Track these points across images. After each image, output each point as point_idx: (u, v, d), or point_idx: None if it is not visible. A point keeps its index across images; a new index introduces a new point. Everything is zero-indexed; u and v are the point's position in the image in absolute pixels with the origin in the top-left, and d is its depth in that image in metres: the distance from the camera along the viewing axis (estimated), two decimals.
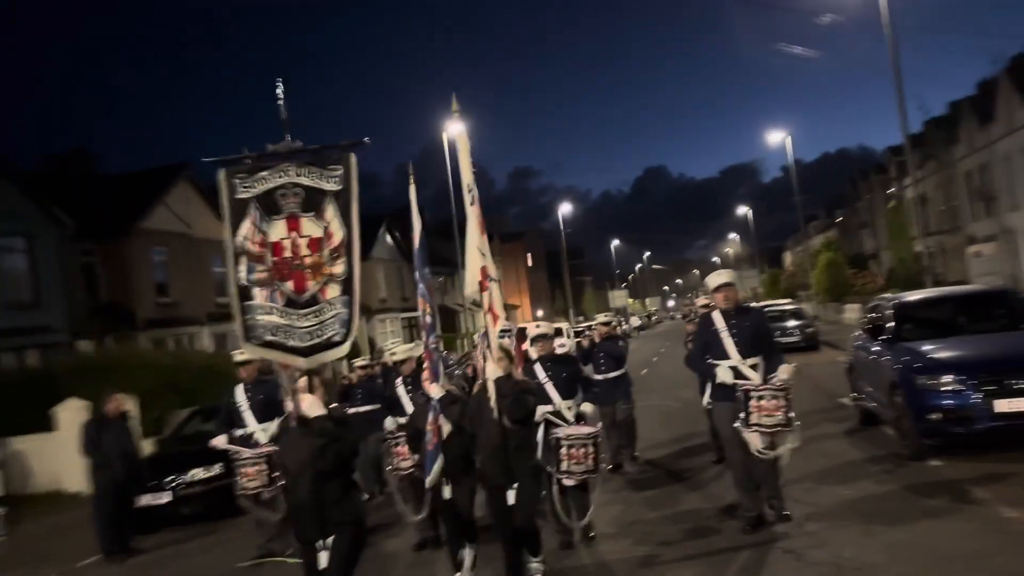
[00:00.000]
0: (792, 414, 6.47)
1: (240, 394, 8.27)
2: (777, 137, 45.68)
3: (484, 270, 5.37)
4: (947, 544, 5.81)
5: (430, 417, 6.09)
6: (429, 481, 6.06)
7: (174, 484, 10.44)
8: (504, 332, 5.57)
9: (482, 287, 5.36)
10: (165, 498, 10.34)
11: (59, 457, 14.09)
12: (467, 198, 5.42)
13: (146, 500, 10.18)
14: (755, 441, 6.48)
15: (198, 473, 10.53)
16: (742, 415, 6.49)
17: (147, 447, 12.02)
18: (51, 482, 14.44)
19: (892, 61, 20.98)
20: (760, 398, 6.41)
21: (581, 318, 60.96)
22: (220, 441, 8.27)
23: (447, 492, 6.12)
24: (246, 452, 7.48)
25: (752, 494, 6.83)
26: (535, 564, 5.68)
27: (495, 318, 5.38)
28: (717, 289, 6.94)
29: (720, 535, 6.81)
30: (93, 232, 23.30)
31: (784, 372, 6.62)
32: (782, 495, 6.87)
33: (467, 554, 6.23)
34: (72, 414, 13.89)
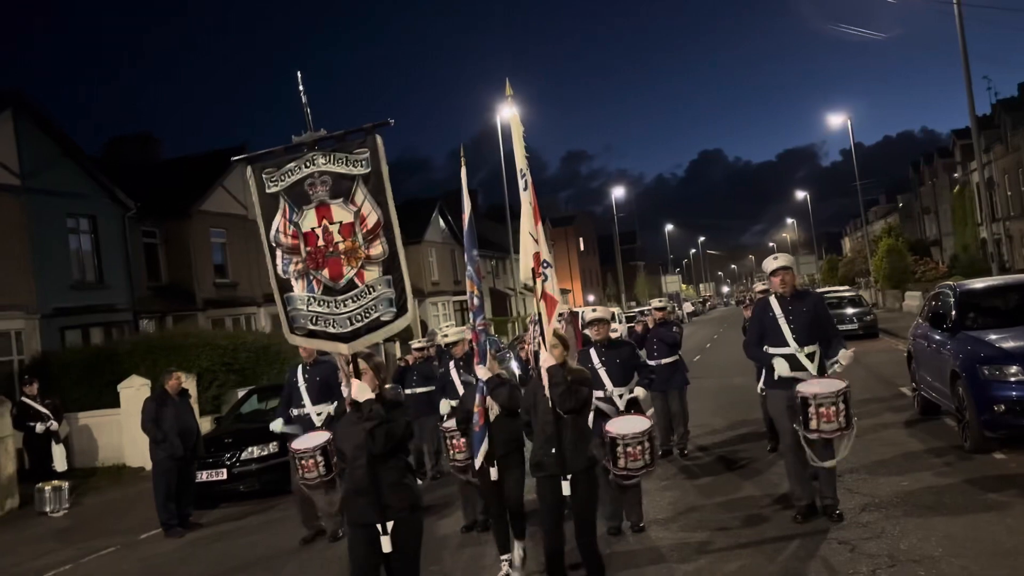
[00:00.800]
0: (853, 416, 6.33)
1: (300, 373, 8.40)
2: (837, 120, 44.68)
3: (537, 256, 5.26)
4: (1008, 539, 5.65)
5: (477, 399, 6.13)
6: (477, 462, 6.08)
7: (231, 461, 10.68)
8: (559, 316, 5.48)
9: (535, 273, 5.26)
10: (222, 475, 10.59)
11: (122, 433, 14.54)
12: (520, 183, 5.31)
13: (204, 476, 10.44)
14: (810, 455, 6.39)
15: (254, 451, 10.75)
16: (800, 419, 6.37)
17: (205, 425, 12.29)
18: (114, 457, 14.90)
19: (960, 41, 20.32)
20: (819, 405, 6.26)
21: (633, 303, 60.63)
22: (277, 425, 8.42)
23: (494, 474, 6.14)
24: (301, 447, 7.56)
25: (806, 483, 6.71)
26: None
27: (551, 305, 5.27)
28: (773, 273, 6.80)
29: (772, 524, 6.72)
30: (155, 214, 23.83)
31: (844, 358, 6.49)
32: (836, 495, 6.70)
33: (516, 553, 6.22)
34: (134, 391, 14.29)
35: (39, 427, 12.07)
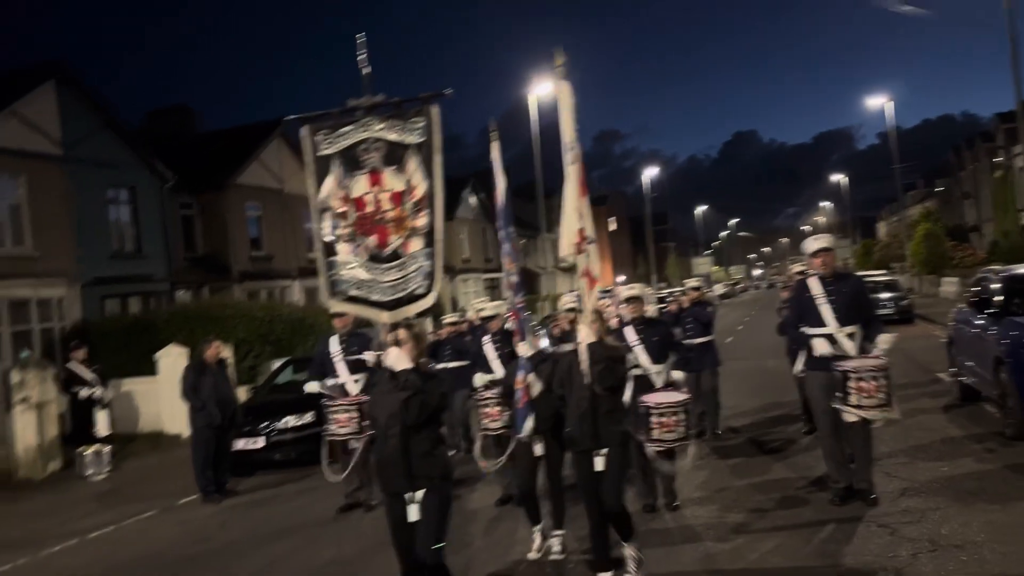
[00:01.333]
0: (892, 392, 6.25)
1: (335, 344, 8.47)
2: (875, 102, 43.91)
3: (582, 231, 5.15)
4: None
5: (519, 376, 6.13)
6: (522, 436, 6.04)
7: (267, 430, 10.84)
8: (603, 293, 5.46)
9: (578, 249, 5.16)
10: (259, 443, 10.75)
11: (160, 400, 14.78)
12: (567, 156, 5.16)
13: (241, 444, 10.60)
14: (851, 417, 6.32)
15: (290, 420, 10.90)
16: (839, 394, 6.31)
17: (241, 394, 12.48)
18: (153, 423, 15.17)
19: (1007, 20, 19.84)
20: (860, 379, 6.19)
21: (663, 284, 60.31)
22: (313, 386, 8.52)
23: (538, 450, 6.17)
24: (340, 399, 7.69)
25: (843, 466, 6.67)
26: (628, 549, 5.36)
27: (591, 281, 5.20)
28: (815, 254, 6.71)
29: (809, 506, 6.69)
30: (192, 186, 24.06)
31: (884, 342, 6.41)
32: (872, 478, 6.65)
33: (556, 540, 6.21)
34: (172, 360, 14.52)
35: (84, 392, 12.31)
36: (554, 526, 6.21)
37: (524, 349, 6.17)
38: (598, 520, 5.14)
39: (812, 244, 6.80)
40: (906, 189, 58.49)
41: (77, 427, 12.43)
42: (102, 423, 12.34)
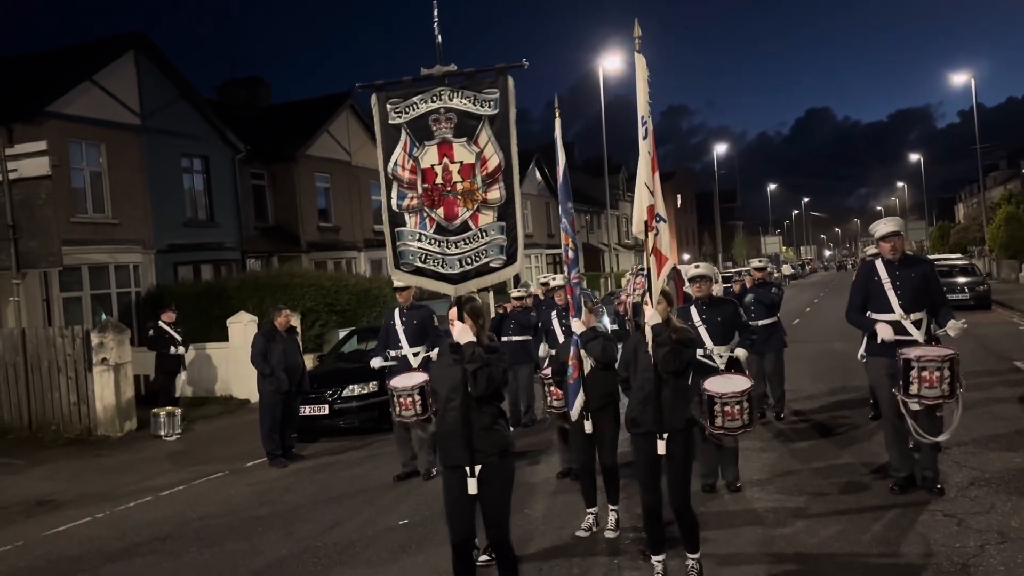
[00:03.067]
0: (958, 385, 6.05)
1: (397, 317, 8.64)
2: (957, 80, 42.24)
3: (651, 209, 5.00)
4: None
5: (571, 351, 6.11)
6: (573, 414, 6.09)
7: (332, 398, 11.08)
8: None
9: (648, 227, 5.01)
10: (324, 410, 11.00)
11: (230, 365, 15.22)
12: (640, 131, 5.01)
13: (307, 411, 10.86)
14: (918, 423, 6.15)
15: (355, 389, 11.11)
16: (901, 382, 6.15)
17: (308, 362, 12.76)
18: (223, 388, 15.64)
19: None
20: (922, 368, 6.02)
21: (730, 264, 59.40)
22: (377, 362, 8.71)
23: (588, 427, 6.15)
24: (400, 385, 7.84)
25: (904, 454, 6.51)
26: (692, 560, 5.08)
27: (661, 260, 5.04)
28: (883, 238, 6.49)
29: (872, 493, 6.58)
30: (262, 157, 24.51)
31: (952, 329, 6.19)
32: (937, 467, 6.49)
33: (610, 515, 6.22)
34: (242, 327, 14.92)
35: (174, 350, 12.89)
36: (609, 502, 6.22)
37: (577, 325, 6.17)
38: (653, 503, 5.08)
39: (880, 227, 6.58)
40: (987, 170, 56.38)
41: (161, 386, 12.98)
42: (179, 384, 12.82)
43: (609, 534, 6.06)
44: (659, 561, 5.01)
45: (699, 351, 6.69)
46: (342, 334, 15.17)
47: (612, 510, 6.20)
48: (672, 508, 5.01)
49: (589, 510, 6.22)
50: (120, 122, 18.78)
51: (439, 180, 4.42)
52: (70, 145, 17.46)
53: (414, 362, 8.45)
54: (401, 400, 7.83)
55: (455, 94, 4.36)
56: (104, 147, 18.35)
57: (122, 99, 18.90)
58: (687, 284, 7.42)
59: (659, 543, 5.07)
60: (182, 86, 20.73)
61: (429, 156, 4.43)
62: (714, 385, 6.35)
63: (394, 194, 4.52)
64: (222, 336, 15.48)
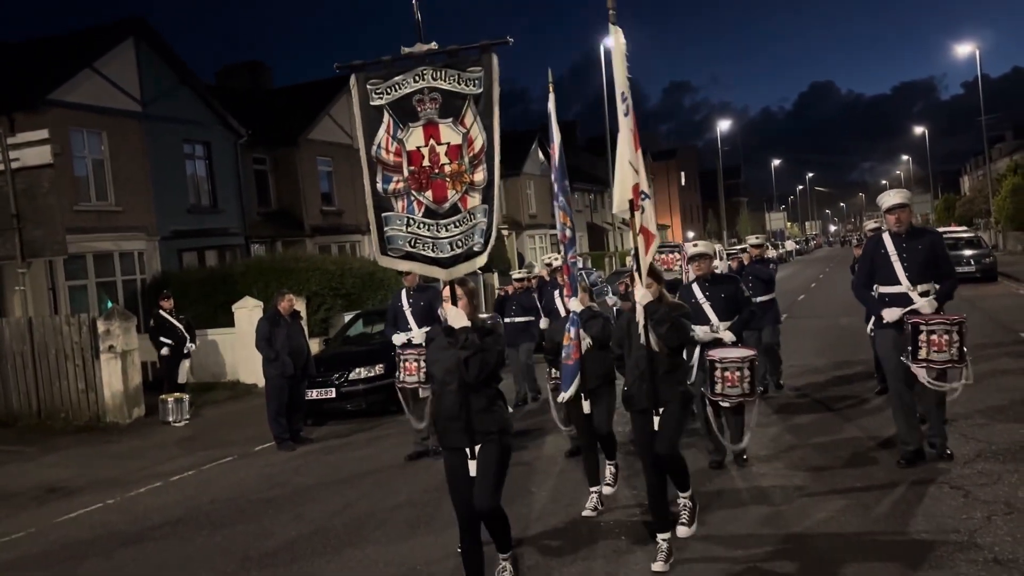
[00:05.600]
0: (965, 348, 6.07)
1: (404, 299, 8.65)
2: (961, 50, 41.84)
3: (636, 187, 4.89)
4: None
5: (570, 332, 6.08)
6: (566, 396, 6.06)
7: (339, 381, 11.12)
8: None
9: (633, 205, 4.90)
10: (331, 393, 11.05)
11: (236, 350, 15.27)
12: (621, 107, 4.85)
13: (314, 395, 10.91)
14: (923, 376, 6.15)
15: (361, 372, 11.15)
16: (909, 348, 6.15)
17: (314, 346, 12.79)
18: (229, 373, 15.70)
19: None
20: (931, 332, 6.03)
21: (734, 240, 59.26)
22: (400, 338, 8.56)
23: (586, 407, 6.20)
24: (411, 348, 7.90)
25: (913, 427, 6.51)
26: (683, 499, 5.46)
27: (648, 239, 4.96)
28: (890, 210, 6.45)
29: (879, 467, 6.58)
30: (265, 141, 24.47)
31: (923, 307, 6.15)
32: (945, 433, 6.53)
33: (608, 470, 6.30)
34: (248, 312, 14.95)
35: (172, 339, 12.84)
36: (606, 459, 6.41)
37: (574, 305, 6.16)
38: (656, 481, 5.11)
39: (887, 199, 6.53)
40: (992, 142, 56.05)
41: (164, 374, 12.97)
42: (183, 371, 12.84)
43: (607, 489, 6.32)
44: (664, 540, 5.05)
45: (705, 329, 6.71)
46: (347, 318, 15.21)
47: (609, 464, 6.48)
48: (658, 454, 5.04)
49: (592, 488, 6.25)
50: (121, 109, 18.75)
51: (426, 162, 4.32)
52: (72, 133, 17.46)
53: (422, 343, 8.44)
54: (407, 365, 7.85)
55: (439, 73, 4.24)
56: (105, 134, 18.34)
57: (122, 86, 18.86)
58: (688, 262, 7.40)
59: (664, 522, 5.10)
60: (182, 72, 20.67)
61: (415, 138, 4.33)
62: (717, 352, 6.41)
63: (379, 178, 4.43)
64: (228, 322, 15.52)
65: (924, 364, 6.10)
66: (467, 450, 4.44)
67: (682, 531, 5.36)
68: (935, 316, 6.13)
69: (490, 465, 4.44)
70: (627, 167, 4.89)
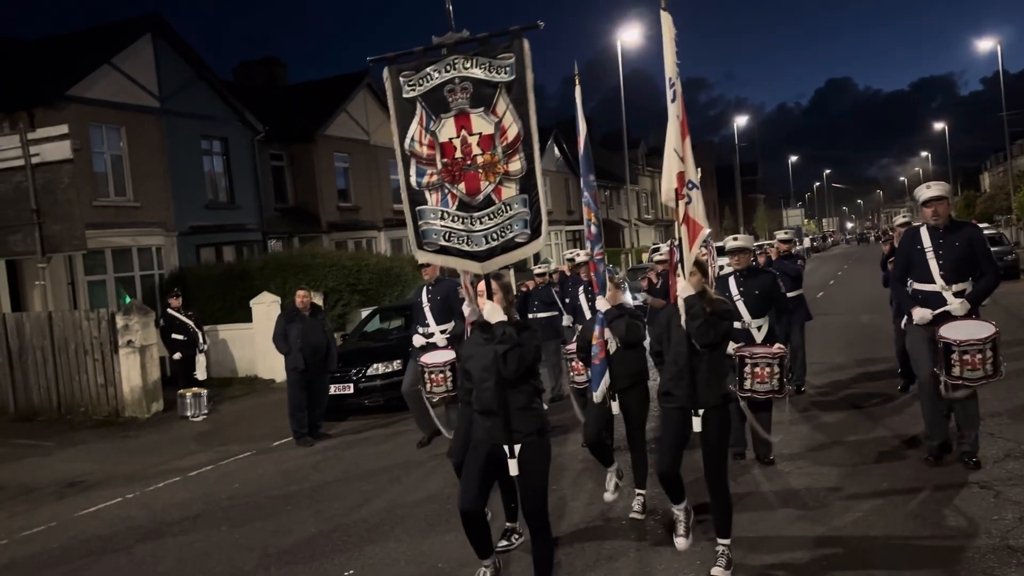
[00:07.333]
0: (1001, 361, 5.90)
1: (424, 295, 8.60)
2: (981, 46, 41.49)
3: (682, 176, 4.76)
4: None
5: (596, 331, 5.95)
6: (597, 396, 5.94)
7: (357, 377, 11.09)
8: (704, 242, 5.06)
9: (678, 195, 4.76)
10: (349, 389, 11.02)
11: (254, 346, 15.28)
12: (668, 94, 4.70)
13: (333, 390, 10.87)
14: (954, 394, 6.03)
15: (379, 368, 11.12)
16: (942, 364, 5.97)
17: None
18: (247, 368, 15.72)
19: None
20: (964, 352, 5.85)
21: (752, 237, 58.92)
22: (419, 340, 8.55)
23: (615, 408, 6.03)
24: (431, 362, 7.81)
25: (941, 423, 6.38)
26: (722, 547, 4.80)
27: (694, 230, 4.80)
28: (926, 203, 6.23)
29: (906, 465, 6.47)
30: (281, 138, 24.48)
31: (956, 308, 6.03)
32: (977, 441, 6.33)
33: (637, 498, 6.04)
34: (265, 307, 14.96)
35: (184, 336, 12.80)
36: (636, 487, 6.04)
37: (602, 303, 6.00)
38: (666, 471, 4.91)
39: (924, 192, 6.30)
40: (1014, 138, 55.37)
41: (178, 371, 12.96)
42: (200, 367, 12.83)
43: (635, 516, 5.84)
44: (679, 509, 4.98)
45: (736, 323, 6.58)
46: (365, 313, 15.18)
47: (639, 493, 5.99)
48: (707, 483, 4.83)
49: (609, 468, 6.17)
50: (139, 105, 18.79)
51: (458, 154, 4.23)
52: (90, 129, 17.51)
53: (440, 340, 8.33)
54: (433, 377, 7.81)
55: (469, 62, 4.14)
56: (124, 130, 18.39)
57: (141, 82, 18.91)
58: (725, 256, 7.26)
59: (678, 494, 5.06)
60: (199, 68, 20.69)
61: (447, 129, 4.24)
62: (747, 348, 6.30)
63: (412, 171, 4.35)
64: (246, 317, 15.53)
65: (958, 382, 5.93)
66: (506, 448, 4.32)
67: (680, 543, 5.17)
68: (969, 336, 5.90)
69: (535, 476, 4.35)
70: (673, 155, 4.76)
